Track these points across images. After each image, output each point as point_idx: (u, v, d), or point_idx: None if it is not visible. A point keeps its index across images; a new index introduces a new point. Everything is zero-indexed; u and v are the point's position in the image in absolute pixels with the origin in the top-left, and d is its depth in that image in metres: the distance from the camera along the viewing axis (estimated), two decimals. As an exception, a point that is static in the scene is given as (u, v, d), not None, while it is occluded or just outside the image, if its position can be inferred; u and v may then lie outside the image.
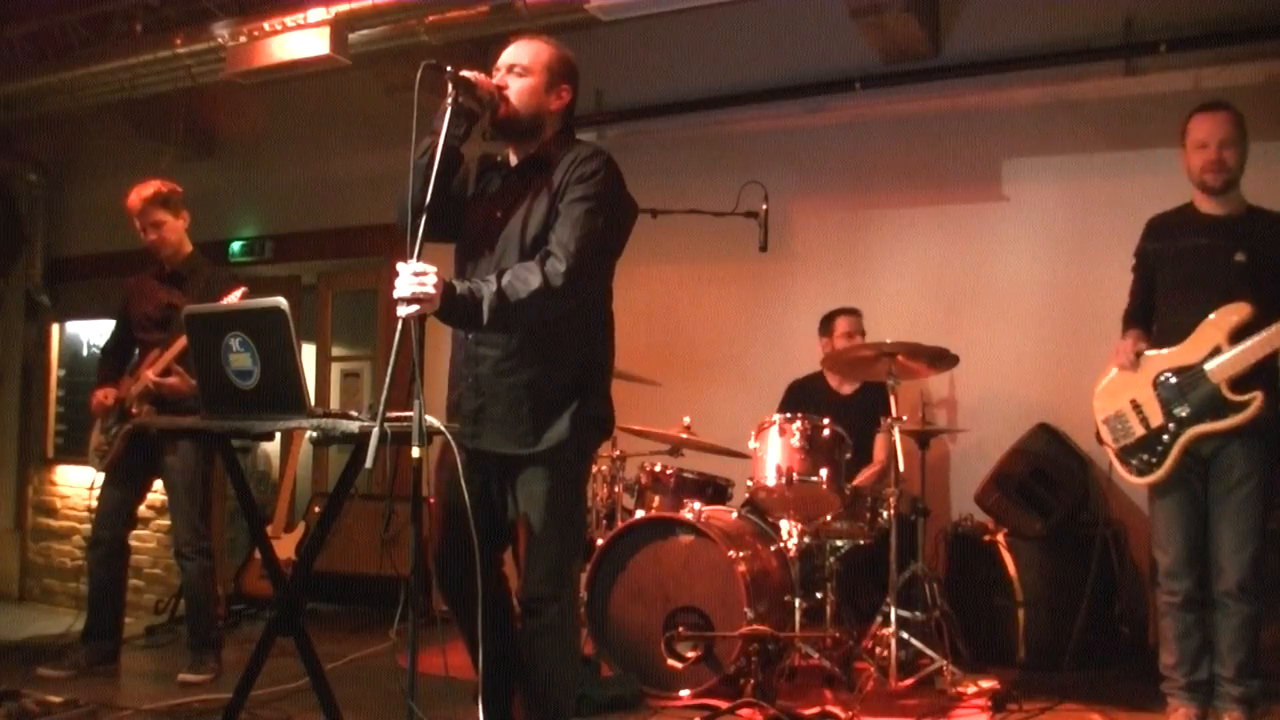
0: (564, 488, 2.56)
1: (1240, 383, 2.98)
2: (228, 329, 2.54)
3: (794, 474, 3.82)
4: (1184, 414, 3.07)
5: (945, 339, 3.97)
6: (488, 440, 2.57)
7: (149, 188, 4.08)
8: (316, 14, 4.71)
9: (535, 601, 2.54)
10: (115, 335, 4.27)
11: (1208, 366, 3.03)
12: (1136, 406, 3.18)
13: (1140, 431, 3.17)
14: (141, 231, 4.08)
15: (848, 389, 4.59)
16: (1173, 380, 3.11)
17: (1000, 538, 4.25)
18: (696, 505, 3.85)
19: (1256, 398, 2.95)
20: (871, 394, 4.44)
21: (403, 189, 2.49)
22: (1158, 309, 3.29)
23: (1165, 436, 3.11)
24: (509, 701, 2.66)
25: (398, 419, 2.28)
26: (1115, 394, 3.25)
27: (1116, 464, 3.25)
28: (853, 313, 4.62)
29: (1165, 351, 3.16)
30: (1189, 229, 3.21)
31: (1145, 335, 3.28)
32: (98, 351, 5.05)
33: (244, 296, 3.67)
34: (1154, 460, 3.13)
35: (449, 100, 2.42)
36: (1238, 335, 3.00)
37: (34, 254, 7.38)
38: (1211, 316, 3.05)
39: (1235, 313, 3.00)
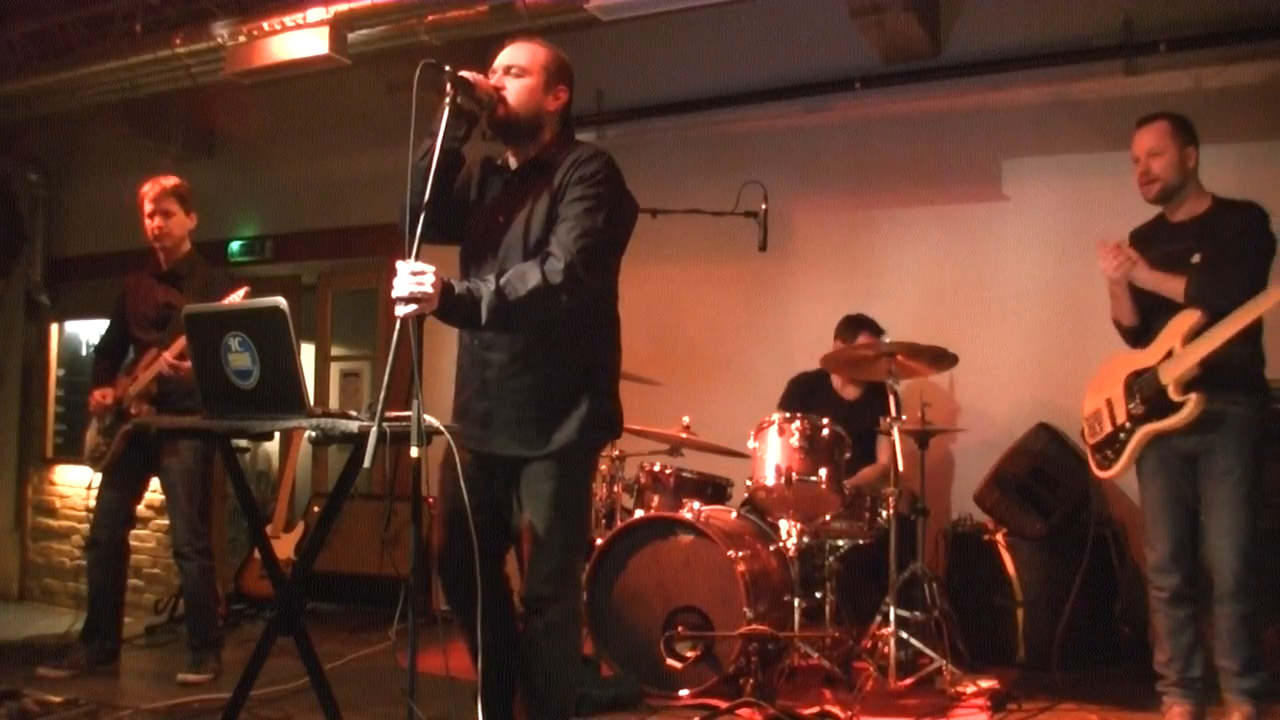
0: (570, 488, 2.56)
1: (1192, 384, 3.06)
2: (227, 329, 2.53)
3: (793, 474, 3.82)
4: (1139, 413, 3.20)
5: (945, 339, 3.96)
6: (496, 443, 2.57)
7: (170, 179, 4.11)
8: (316, 14, 4.71)
9: (538, 601, 2.54)
10: (111, 334, 4.26)
11: (1160, 368, 3.13)
12: (1110, 405, 3.31)
13: (1109, 428, 3.31)
14: (148, 217, 4.06)
15: (851, 393, 4.56)
16: (1135, 381, 3.23)
17: (1000, 537, 4.25)
18: (696, 505, 3.86)
19: (1190, 400, 3.04)
20: (875, 399, 4.42)
21: (404, 190, 2.49)
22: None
23: (1123, 435, 3.25)
24: (509, 701, 2.66)
25: (397, 418, 2.28)
26: (1097, 393, 3.39)
27: (1090, 458, 3.41)
28: (878, 332, 4.43)
29: (1137, 354, 3.27)
30: (1157, 238, 3.30)
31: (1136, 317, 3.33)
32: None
33: (246, 296, 3.66)
34: (1113, 455, 3.29)
35: (447, 101, 2.42)
36: (1191, 339, 3.09)
37: (34, 254, 7.39)
38: (1170, 322, 3.15)
39: (1188, 318, 3.10)
